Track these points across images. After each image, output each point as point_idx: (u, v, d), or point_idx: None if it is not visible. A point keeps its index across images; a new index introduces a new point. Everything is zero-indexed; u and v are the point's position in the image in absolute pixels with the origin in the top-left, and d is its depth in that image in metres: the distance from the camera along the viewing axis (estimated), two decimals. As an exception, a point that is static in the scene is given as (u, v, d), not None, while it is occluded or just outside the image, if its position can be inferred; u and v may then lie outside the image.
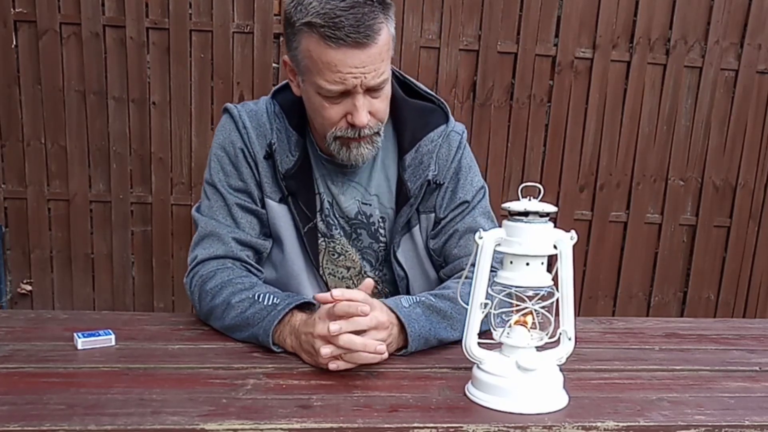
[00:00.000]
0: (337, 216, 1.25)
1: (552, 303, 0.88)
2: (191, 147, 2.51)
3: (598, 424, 0.83)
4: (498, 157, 2.61)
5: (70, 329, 1.06)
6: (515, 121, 2.59)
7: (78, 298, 2.61)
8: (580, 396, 0.91)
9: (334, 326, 0.91)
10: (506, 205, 0.88)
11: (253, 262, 1.20)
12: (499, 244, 0.88)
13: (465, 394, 0.90)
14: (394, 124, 1.23)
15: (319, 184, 1.23)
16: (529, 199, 0.86)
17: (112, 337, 1.04)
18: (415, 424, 0.81)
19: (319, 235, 1.25)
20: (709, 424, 0.85)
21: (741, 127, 2.69)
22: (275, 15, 2.43)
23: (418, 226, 1.24)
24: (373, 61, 1.05)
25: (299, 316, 1.02)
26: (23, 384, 0.88)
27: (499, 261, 0.92)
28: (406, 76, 1.27)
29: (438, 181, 1.22)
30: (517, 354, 0.87)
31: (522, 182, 2.34)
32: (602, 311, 2.76)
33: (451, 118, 1.26)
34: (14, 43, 2.41)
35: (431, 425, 0.81)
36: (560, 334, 0.90)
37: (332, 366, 0.94)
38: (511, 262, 0.87)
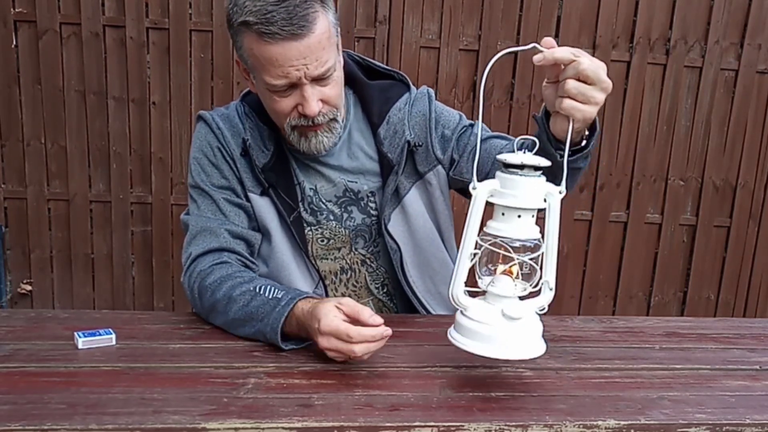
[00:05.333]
0: (324, 201, 1.27)
1: (538, 255, 0.88)
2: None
3: (599, 422, 0.83)
4: (498, 157, 2.62)
5: (70, 328, 1.06)
6: (515, 121, 2.60)
7: (78, 298, 2.61)
8: (581, 395, 0.91)
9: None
10: (502, 156, 0.87)
11: (247, 255, 1.21)
12: (492, 195, 0.88)
13: (447, 338, 0.91)
14: (362, 106, 1.28)
15: (298, 174, 1.26)
16: (524, 152, 0.86)
17: (113, 336, 1.04)
18: (416, 423, 0.81)
19: (305, 224, 1.26)
20: (710, 422, 0.85)
21: (741, 127, 2.69)
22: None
23: (408, 196, 1.26)
24: (312, 51, 1.06)
25: (300, 307, 1.01)
26: (24, 383, 0.88)
27: None
28: (365, 57, 1.31)
29: (417, 142, 1.24)
30: (501, 303, 0.88)
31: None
32: (602, 311, 2.76)
33: (413, 86, 1.29)
34: (14, 43, 2.42)
35: (432, 424, 0.81)
36: (542, 284, 0.90)
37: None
38: (503, 214, 0.87)
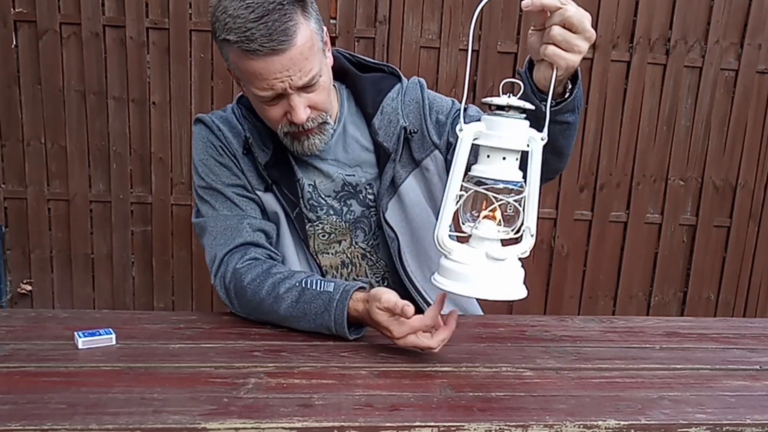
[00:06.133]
0: (323, 196, 1.28)
1: (521, 199, 0.89)
2: (191, 147, 2.51)
3: (599, 422, 0.83)
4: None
5: (70, 328, 1.06)
6: (515, 121, 2.59)
7: (78, 299, 2.61)
8: (582, 395, 0.91)
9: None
10: (488, 99, 0.88)
11: (270, 246, 1.23)
12: (477, 138, 0.89)
13: (432, 281, 0.92)
14: (355, 99, 1.29)
15: (297, 171, 1.27)
16: (509, 96, 0.87)
17: (113, 336, 1.04)
18: (416, 423, 0.81)
19: (306, 220, 1.28)
20: (710, 422, 0.85)
21: (741, 127, 2.69)
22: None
23: (405, 185, 1.27)
24: (295, 63, 1.07)
25: (356, 297, 1.06)
26: (24, 383, 0.88)
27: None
28: (354, 54, 1.33)
29: (413, 129, 1.26)
30: (484, 245, 0.89)
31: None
32: (602, 311, 2.75)
33: (403, 77, 1.31)
34: (14, 43, 2.41)
35: (432, 424, 0.81)
36: (523, 230, 0.91)
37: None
38: (488, 156, 0.88)
